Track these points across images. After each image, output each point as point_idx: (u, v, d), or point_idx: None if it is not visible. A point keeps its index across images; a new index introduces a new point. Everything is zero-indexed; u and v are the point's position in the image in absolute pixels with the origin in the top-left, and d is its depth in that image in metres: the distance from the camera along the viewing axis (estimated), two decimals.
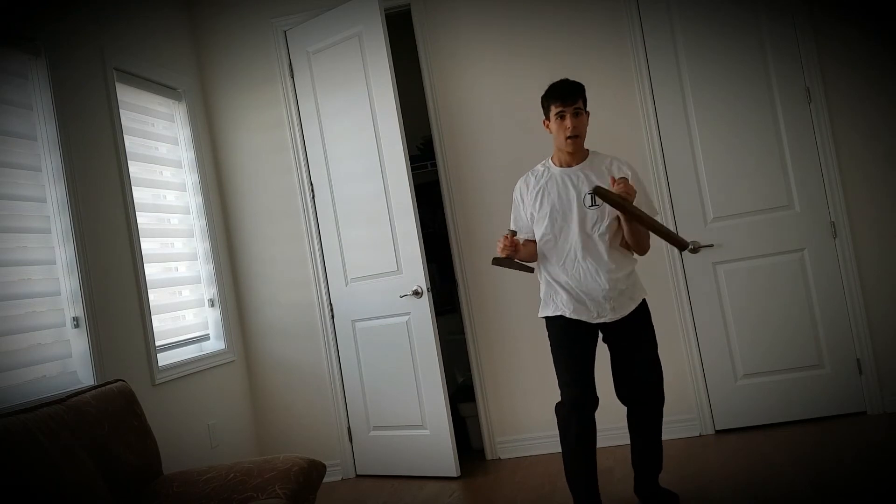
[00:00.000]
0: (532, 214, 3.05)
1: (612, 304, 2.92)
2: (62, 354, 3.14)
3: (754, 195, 3.95)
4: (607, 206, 2.89)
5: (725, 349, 3.98)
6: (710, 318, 3.99)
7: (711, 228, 3.99)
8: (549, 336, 3.05)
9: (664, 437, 3.11)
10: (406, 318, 4.00)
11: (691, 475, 3.37)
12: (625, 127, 4.01)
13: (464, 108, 4.21)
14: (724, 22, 3.97)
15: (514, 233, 2.97)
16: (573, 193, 2.97)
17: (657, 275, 3.96)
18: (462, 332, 4.30)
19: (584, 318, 2.95)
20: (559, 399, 2.98)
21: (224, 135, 4.42)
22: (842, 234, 3.88)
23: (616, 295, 2.92)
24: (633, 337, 3.01)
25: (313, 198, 4.29)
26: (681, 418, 3.99)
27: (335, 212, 4.22)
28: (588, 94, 3.03)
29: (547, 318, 3.04)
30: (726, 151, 3.97)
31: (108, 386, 2.84)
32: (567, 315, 2.96)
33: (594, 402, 2.94)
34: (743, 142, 3.96)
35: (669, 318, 3.99)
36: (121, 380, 2.95)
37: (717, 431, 3.99)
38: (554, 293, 3.00)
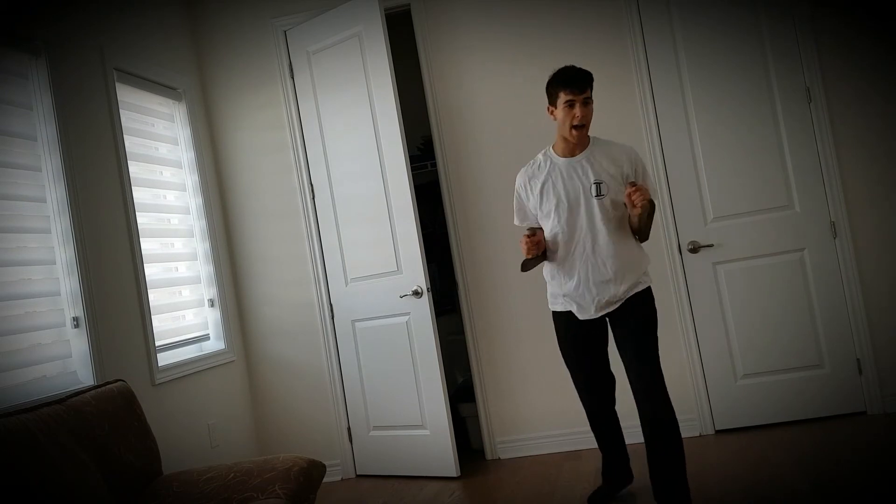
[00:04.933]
0: (537, 207, 3.02)
1: (612, 293, 2.90)
2: (62, 354, 3.14)
3: (754, 195, 3.95)
4: (611, 195, 2.89)
5: (725, 349, 3.98)
6: (710, 318, 3.99)
7: (711, 228, 3.99)
8: (555, 329, 3.11)
9: None
10: (406, 318, 4.00)
11: (691, 475, 3.35)
12: (625, 127, 4.01)
13: (464, 108, 4.21)
14: (724, 22, 3.97)
15: (533, 231, 2.93)
16: (579, 185, 2.93)
17: (657, 275, 3.95)
18: (462, 332, 4.30)
19: (587, 316, 2.96)
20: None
21: (224, 135, 4.42)
22: (842, 234, 3.88)
23: (620, 282, 2.90)
24: (627, 327, 2.93)
25: (313, 198, 4.29)
26: (681, 418, 3.93)
27: (335, 212, 4.22)
28: None
29: (554, 313, 3.08)
30: (726, 151, 3.97)
31: (107, 386, 2.83)
32: (574, 312, 2.99)
33: (602, 391, 3.08)
34: (743, 142, 3.96)
35: (669, 318, 3.98)
36: (121, 380, 2.95)
37: (717, 431, 3.99)
38: (559, 288, 3.01)
